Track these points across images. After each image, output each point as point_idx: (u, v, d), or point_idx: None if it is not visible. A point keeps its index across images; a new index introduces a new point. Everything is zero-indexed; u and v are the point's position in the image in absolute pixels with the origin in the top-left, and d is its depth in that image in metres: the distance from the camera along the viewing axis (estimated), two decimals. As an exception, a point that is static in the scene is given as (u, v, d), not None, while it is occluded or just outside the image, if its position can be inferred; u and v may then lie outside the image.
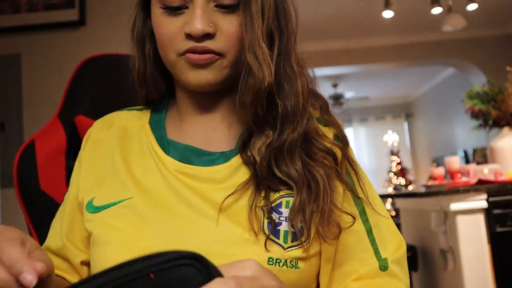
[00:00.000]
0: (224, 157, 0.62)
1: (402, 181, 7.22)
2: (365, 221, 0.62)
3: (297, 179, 0.57)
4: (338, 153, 0.62)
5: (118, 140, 0.67)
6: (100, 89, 0.87)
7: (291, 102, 0.59)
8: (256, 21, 0.57)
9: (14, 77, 2.05)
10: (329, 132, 0.65)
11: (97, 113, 0.76)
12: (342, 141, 0.64)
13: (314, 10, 4.04)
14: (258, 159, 0.58)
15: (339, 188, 0.61)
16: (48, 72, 2.05)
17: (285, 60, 0.61)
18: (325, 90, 6.59)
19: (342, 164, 0.62)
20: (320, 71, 5.17)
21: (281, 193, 0.59)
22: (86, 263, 0.65)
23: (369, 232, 0.61)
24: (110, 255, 0.57)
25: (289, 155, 0.59)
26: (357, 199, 0.62)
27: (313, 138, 0.61)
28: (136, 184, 0.61)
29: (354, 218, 0.59)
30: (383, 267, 0.60)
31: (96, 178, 0.64)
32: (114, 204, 0.60)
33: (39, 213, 0.78)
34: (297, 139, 0.59)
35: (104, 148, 0.67)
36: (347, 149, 0.64)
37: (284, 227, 0.57)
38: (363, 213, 0.62)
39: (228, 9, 0.58)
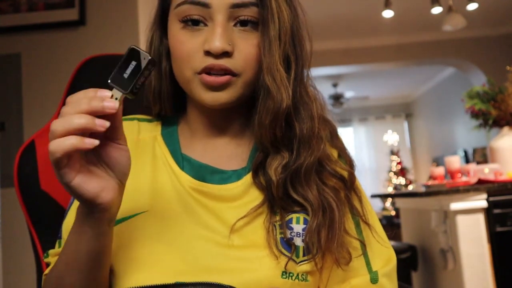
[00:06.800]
0: (236, 175, 0.64)
1: (402, 180, 7.22)
2: (359, 233, 0.64)
3: (313, 202, 0.59)
4: (347, 177, 0.64)
5: (130, 152, 0.66)
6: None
7: (306, 126, 0.61)
8: (274, 44, 0.58)
9: (14, 77, 2.05)
10: (334, 152, 0.67)
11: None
12: (350, 165, 0.66)
13: (314, 10, 4.03)
14: (274, 179, 0.59)
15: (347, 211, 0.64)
16: (48, 72, 2.04)
17: (300, 84, 0.62)
18: (325, 90, 6.58)
19: (351, 189, 0.64)
20: (320, 71, 5.17)
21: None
22: None
23: (362, 244, 0.63)
24: (136, 272, 0.57)
25: (306, 178, 0.60)
26: (356, 217, 0.64)
27: (325, 163, 0.63)
28: (150, 196, 0.62)
29: (364, 244, 0.61)
30: (374, 280, 0.61)
31: None
32: (130, 217, 0.60)
33: (40, 213, 0.78)
34: (313, 163, 0.61)
35: None
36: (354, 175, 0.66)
37: (296, 242, 0.59)
38: (357, 226, 0.64)
39: (246, 26, 0.59)
